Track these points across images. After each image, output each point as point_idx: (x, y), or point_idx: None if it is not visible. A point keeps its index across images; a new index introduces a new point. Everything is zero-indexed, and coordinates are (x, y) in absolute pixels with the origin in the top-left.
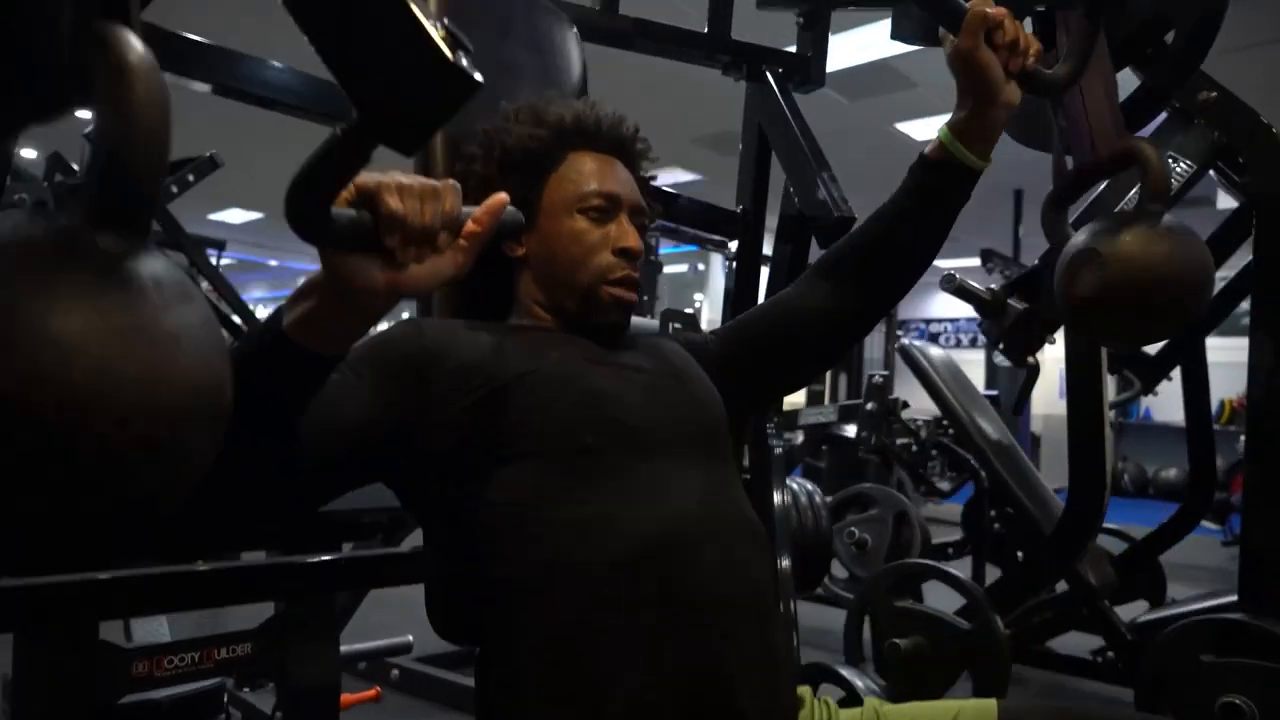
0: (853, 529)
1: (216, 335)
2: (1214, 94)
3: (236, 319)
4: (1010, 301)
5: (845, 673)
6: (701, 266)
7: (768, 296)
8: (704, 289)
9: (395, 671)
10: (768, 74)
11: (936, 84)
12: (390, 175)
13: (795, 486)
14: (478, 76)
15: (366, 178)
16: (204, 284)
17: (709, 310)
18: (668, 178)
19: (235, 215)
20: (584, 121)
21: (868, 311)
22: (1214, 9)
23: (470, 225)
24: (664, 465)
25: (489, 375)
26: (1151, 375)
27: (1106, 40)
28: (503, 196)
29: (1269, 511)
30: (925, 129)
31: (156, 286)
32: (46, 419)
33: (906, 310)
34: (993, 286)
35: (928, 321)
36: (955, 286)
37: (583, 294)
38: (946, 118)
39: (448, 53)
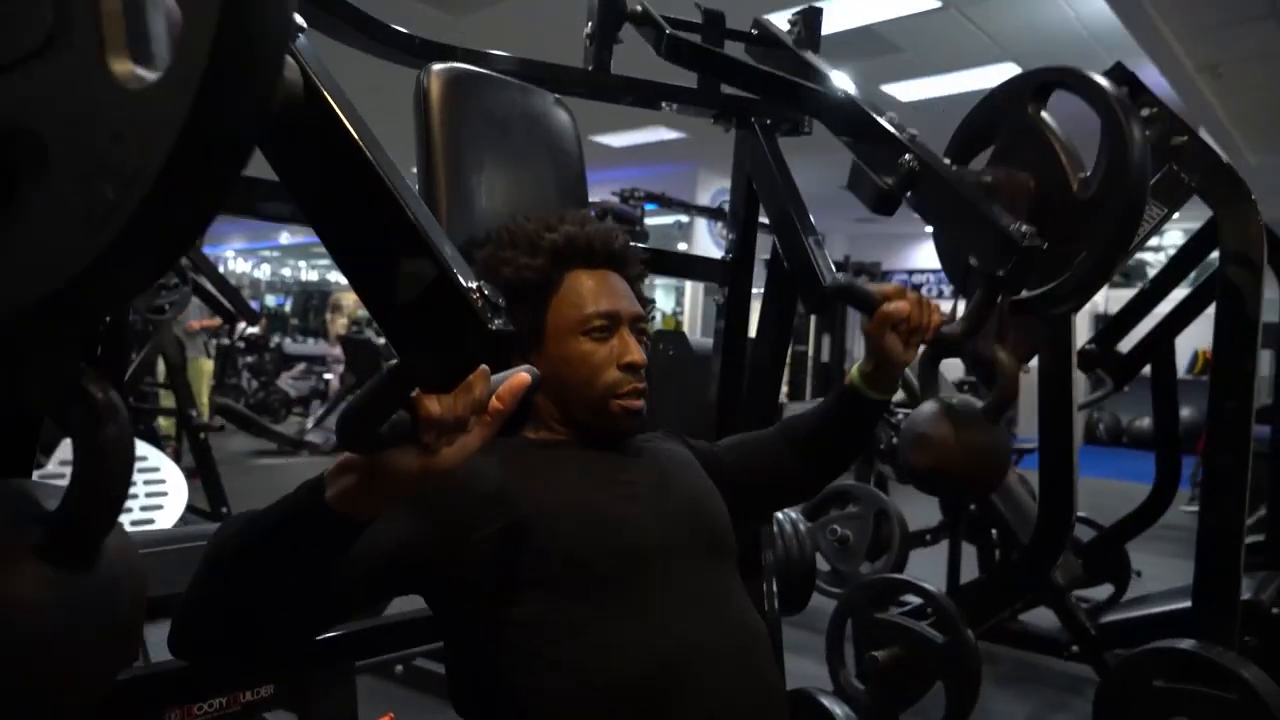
0: (835, 526)
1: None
2: (1185, 138)
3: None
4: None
5: (826, 702)
6: (685, 219)
7: (759, 338)
8: (689, 241)
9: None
10: (755, 125)
11: (922, 47)
12: None
13: (780, 517)
14: (508, 329)
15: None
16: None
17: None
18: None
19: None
20: (576, 243)
21: (812, 483)
22: (1111, 250)
23: (495, 404)
24: (672, 583)
25: (506, 506)
26: (1122, 374)
27: None
28: (523, 378)
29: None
30: (912, 90)
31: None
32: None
33: (891, 261)
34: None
35: (910, 273)
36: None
37: (594, 409)
38: (934, 79)
39: (485, 320)
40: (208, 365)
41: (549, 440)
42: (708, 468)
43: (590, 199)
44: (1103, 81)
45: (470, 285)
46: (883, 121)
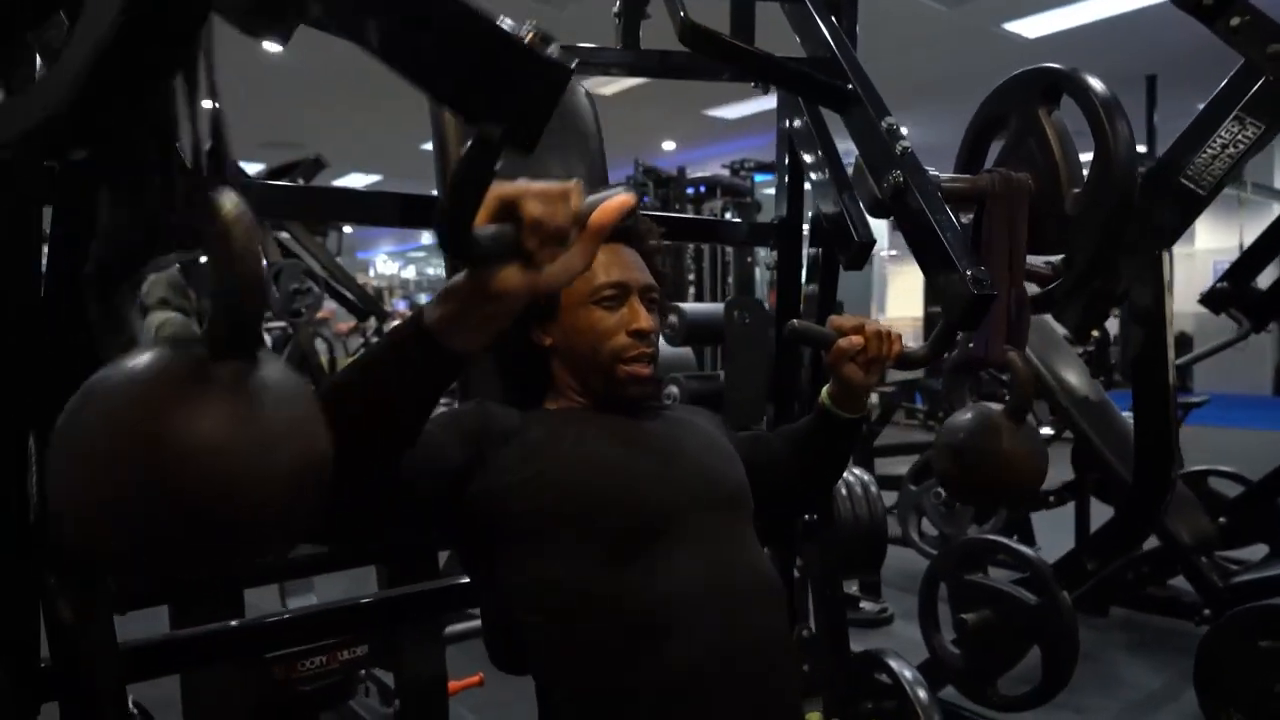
0: (939, 489)
1: (312, 424)
2: None
3: (347, 293)
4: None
5: (894, 664)
6: None
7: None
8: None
9: None
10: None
11: None
12: (525, 185)
13: (849, 479)
14: (567, 63)
15: (507, 190)
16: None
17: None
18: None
19: (356, 180)
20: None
21: (800, 494)
22: (1091, 265)
23: (596, 219)
24: (681, 535)
25: (531, 460)
26: (1260, 313)
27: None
28: (624, 198)
29: None
30: (1036, 26)
31: (264, 393)
32: (199, 495)
33: None
34: (1051, 261)
35: None
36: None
37: (604, 374)
38: (1054, 13)
39: (538, 50)
40: None
41: (567, 408)
42: (735, 447)
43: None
44: (1095, 86)
45: (512, 24)
46: (881, 128)
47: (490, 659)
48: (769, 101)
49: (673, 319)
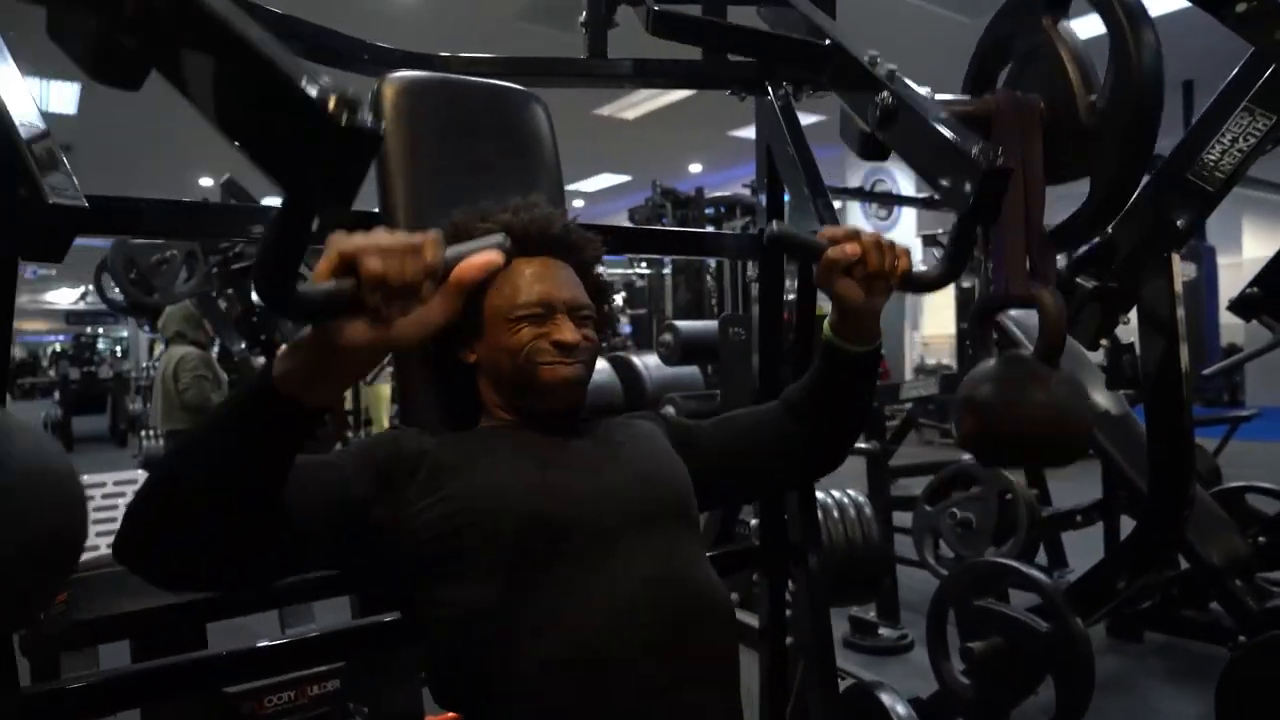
0: (955, 509)
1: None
2: None
3: None
4: (1079, 280)
5: (886, 699)
6: (839, 205)
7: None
8: None
9: None
10: (770, 91)
11: None
12: (372, 237)
13: (839, 499)
14: (374, 126)
15: (347, 244)
16: None
17: None
18: None
19: None
20: (514, 231)
21: (821, 452)
22: (1117, 181)
23: (459, 274)
24: (608, 557)
25: (442, 487)
26: None
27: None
28: (490, 254)
29: None
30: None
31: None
32: None
33: None
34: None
35: None
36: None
37: (526, 383)
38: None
39: (336, 117)
40: (385, 390)
41: (493, 428)
42: (678, 441)
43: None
44: None
45: (316, 84)
46: (862, 61)
47: (433, 696)
48: (803, 118)
49: (667, 337)
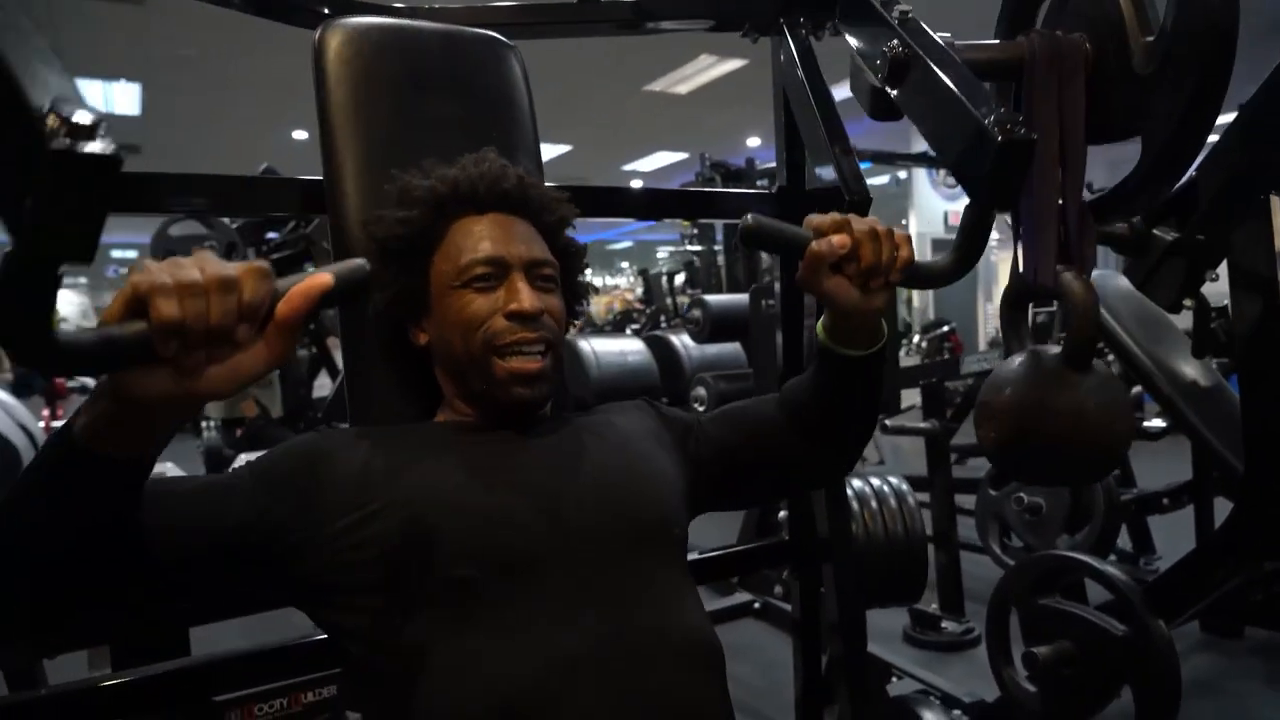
0: (1021, 494)
1: None
2: None
3: None
4: (1156, 232)
5: (929, 716)
6: (903, 175)
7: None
8: (910, 199)
9: None
10: (785, 28)
11: None
12: (175, 268)
13: (878, 488)
14: (107, 154)
15: (140, 282)
16: None
17: (917, 224)
18: None
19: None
20: (460, 188)
21: (827, 456)
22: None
23: (284, 310)
24: (558, 589)
25: (363, 499)
26: None
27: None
28: (319, 278)
29: None
30: None
31: None
32: None
33: None
34: (1133, 220)
35: None
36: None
37: (479, 372)
38: None
39: (56, 142)
40: None
41: (444, 423)
42: (679, 440)
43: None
44: None
45: (38, 104)
46: (873, 3)
47: None
48: None
49: (696, 313)
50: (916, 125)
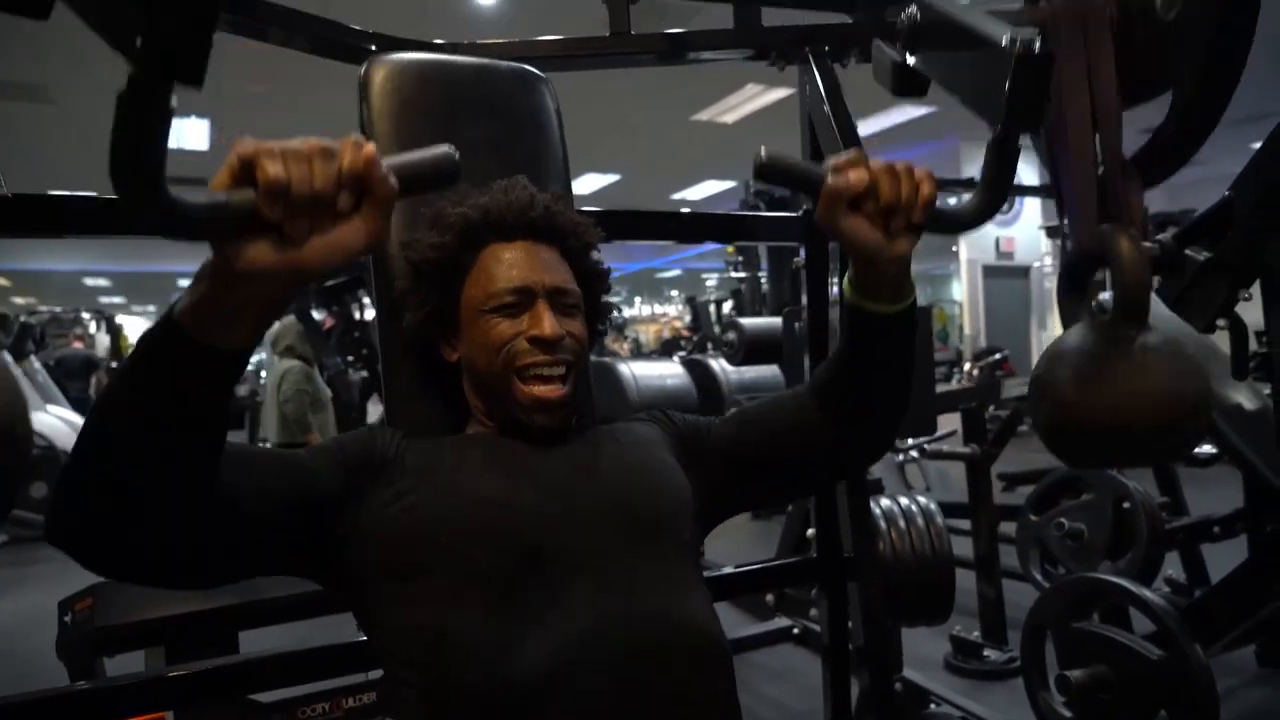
0: (1062, 519)
1: None
2: None
3: None
4: (1189, 253)
5: None
6: (953, 201)
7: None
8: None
9: None
10: (810, 57)
11: None
12: (279, 142)
13: (906, 506)
14: None
15: (248, 146)
16: None
17: (968, 251)
18: None
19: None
20: (490, 215)
21: (856, 437)
22: (1203, 89)
23: (379, 185)
24: (572, 583)
25: (394, 494)
26: None
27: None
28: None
29: None
30: None
31: None
32: None
33: None
34: (1163, 238)
35: None
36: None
37: (503, 392)
38: None
39: None
40: None
41: (471, 435)
42: (687, 445)
43: None
44: None
45: None
46: None
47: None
48: (911, 111)
49: (731, 335)
50: (939, 82)
